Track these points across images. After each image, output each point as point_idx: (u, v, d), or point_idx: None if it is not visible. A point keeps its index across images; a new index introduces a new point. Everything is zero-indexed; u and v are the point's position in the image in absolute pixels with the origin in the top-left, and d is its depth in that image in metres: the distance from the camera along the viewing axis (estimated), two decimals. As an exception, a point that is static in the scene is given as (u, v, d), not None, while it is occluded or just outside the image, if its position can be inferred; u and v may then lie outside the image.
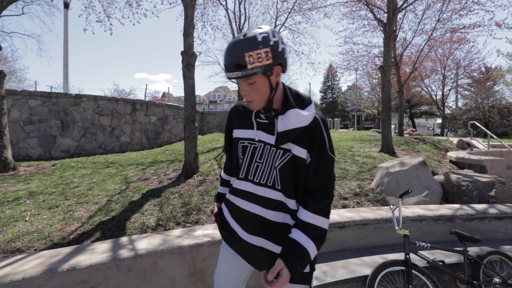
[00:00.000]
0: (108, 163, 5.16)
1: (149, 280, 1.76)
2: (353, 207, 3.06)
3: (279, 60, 0.96)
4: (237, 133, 1.14)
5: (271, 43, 0.93)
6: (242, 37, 0.94)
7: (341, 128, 28.44)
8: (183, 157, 5.67)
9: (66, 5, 9.73)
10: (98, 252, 1.71)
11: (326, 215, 1.00)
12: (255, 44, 0.92)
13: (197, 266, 1.89)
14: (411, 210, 2.76)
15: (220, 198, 1.28)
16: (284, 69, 1.00)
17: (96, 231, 2.42)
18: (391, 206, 2.16)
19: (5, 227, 2.42)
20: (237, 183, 1.12)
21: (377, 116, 31.50)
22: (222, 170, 1.32)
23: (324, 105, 48.43)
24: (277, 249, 1.04)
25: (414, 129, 17.35)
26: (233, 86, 36.75)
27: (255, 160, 1.06)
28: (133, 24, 8.20)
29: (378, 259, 2.20)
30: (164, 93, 47.95)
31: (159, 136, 8.51)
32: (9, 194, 3.28)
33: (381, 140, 6.16)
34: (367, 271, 2.03)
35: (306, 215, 0.98)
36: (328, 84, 48.31)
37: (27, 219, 2.60)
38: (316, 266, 2.04)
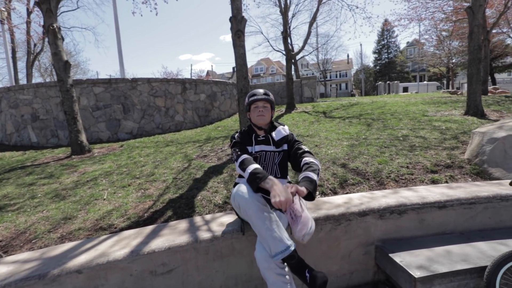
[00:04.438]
0: (168, 142, 5.35)
1: (227, 262, 1.65)
2: (446, 182, 2.55)
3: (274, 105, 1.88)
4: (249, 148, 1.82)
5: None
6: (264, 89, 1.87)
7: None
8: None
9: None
10: (175, 233, 1.65)
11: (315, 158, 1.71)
12: (269, 93, 1.86)
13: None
14: (532, 184, 2.15)
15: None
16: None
17: (167, 209, 2.43)
18: (516, 181, 1.65)
19: (87, 206, 2.60)
20: None
21: (445, 74, 27.24)
22: (243, 155, 1.69)
23: (378, 67, 43.61)
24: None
25: (496, 87, 14.53)
26: (275, 57, 35.42)
27: (261, 162, 1.78)
28: (176, 0, 8.03)
29: (497, 245, 1.75)
30: (208, 72, 48.86)
31: (209, 114, 8.60)
32: (87, 174, 3.56)
33: (462, 101, 5.14)
34: (483, 262, 1.62)
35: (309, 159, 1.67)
36: (383, 43, 43.01)
37: (105, 197, 2.75)
38: (418, 251, 1.71)
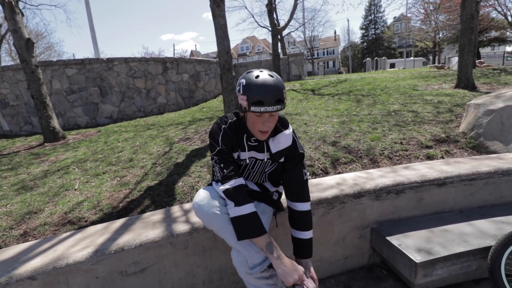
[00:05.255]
0: (149, 125, 5.03)
1: (209, 256, 1.48)
2: (442, 157, 2.43)
3: None
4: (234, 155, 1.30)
5: None
6: (274, 77, 1.14)
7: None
8: (220, 114, 5.31)
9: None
10: (148, 227, 1.44)
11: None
12: (283, 84, 1.16)
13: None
14: (531, 156, 2.06)
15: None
16: None
17: (145, 197, 2.22)
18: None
19: (56, 197, 2.34)
20: None
21: (432, 49, 27.17)
22: (236, 179, 1.20)
23: (365, 44, 43.09)
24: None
25: (481, 60, 14.58)
26: (261, 35, 34.22)
27: (248, 169, 1.35)
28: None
29: (499, 223, 1.66)
30: (191, 52, 46.98)
31: (194, 95, 8.21)
32: (59, 163, 3.26)
33: (451, 74, 5.01)
34: (486, 242, 1.52)
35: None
36: (370, 18, 42.20)
37: (76, 187, 2.50)
38: (416, 233, 1.59)
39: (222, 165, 1.20)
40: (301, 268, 1.16)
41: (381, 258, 1.82)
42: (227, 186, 1.17)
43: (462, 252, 1.45)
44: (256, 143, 1.29)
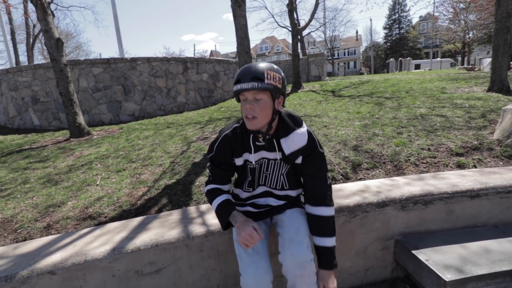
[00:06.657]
0: (168, 124, 5.12)
1: (224, 260, 1.45)
2: (474, 166, 2.26)
3: (284, 90, 1.17)
4: (239, 160, 1.28)
5: (282, 74, 1.16)
6: (262, 63, 1.14)
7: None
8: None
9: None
10: (165, 227, 1.44)
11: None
12: (273, 68, 1.13)
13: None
14: None
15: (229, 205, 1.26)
16: (283, 103, 1.20)
17: (162, 196, 2.23)
18: None
19: (79, 192, 2.42)
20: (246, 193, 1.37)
21: (460, 50, 25.80)
22: (211, 184, 1.31)
23: (388, 44, 41.66)
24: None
25: (517, 62, 13.60)
26: (280, 35, 34.10)
27: (262, 172, 1.30)
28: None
29: (540, 242, 1.50)
30: (211, 52, 47.65)
31: (212, 94, 8.28)
32: (83, 158, 3.38)
33: (482, 77, 4.69)
34: (526, 260, 1.37)
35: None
36: (394, 17, 40.73)
37: (98, 183, 2.57)
38: (445, 248, 1.49)
39: (209, 169, 1.33)
40: (248, 232, 1.12)
41: (405, 272, 1.71)
42: (206, 188, 1.33)
43: (497, 272, 1.33)
44: (263, 143, 1.23)
